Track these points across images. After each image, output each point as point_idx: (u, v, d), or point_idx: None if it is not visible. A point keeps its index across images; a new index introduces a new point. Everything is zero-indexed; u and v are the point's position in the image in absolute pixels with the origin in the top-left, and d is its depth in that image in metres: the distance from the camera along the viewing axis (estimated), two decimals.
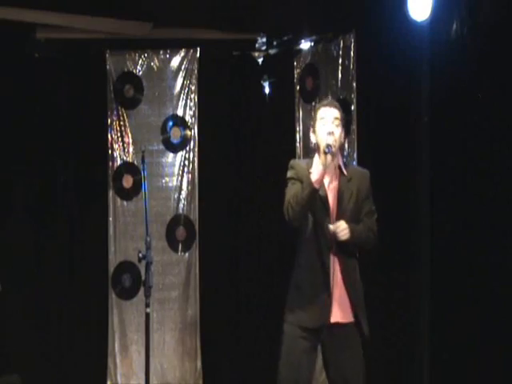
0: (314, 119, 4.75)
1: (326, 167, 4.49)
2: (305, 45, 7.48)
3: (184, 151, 7.72)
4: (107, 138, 7.63)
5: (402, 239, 6.37)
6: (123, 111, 7.67)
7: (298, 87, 7.54)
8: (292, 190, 4.58)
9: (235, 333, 7.66)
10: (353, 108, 6.92)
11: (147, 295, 4.87)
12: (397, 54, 6.24)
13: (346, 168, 4.73)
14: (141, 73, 7.68)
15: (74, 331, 7.47)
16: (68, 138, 7.58)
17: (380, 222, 6.29)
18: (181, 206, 7.70)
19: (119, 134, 7.65)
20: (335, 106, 4.72)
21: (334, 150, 4.51)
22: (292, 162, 4.75)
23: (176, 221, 7.69)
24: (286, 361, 4.62)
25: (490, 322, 5.58)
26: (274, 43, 7.55)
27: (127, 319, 7.56)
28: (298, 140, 7.54)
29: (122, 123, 7.66)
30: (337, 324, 4.61)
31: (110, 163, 7.65)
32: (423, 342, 6.16)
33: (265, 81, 7.63)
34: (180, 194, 7.70)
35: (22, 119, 7.35)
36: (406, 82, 6.25)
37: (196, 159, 7.70)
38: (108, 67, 7.63)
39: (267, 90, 7.63)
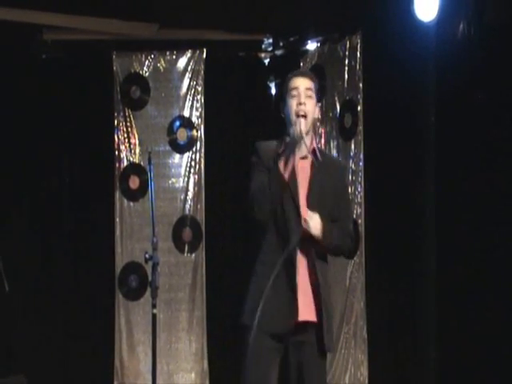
0: (284, 91, 4.11)
1: (300, 154, 3.95)
2: (311, 45, 7.48)
3: (190, 152, 7.72)
4: (114, 139, 7.64)
5: (408, 240, 6.37)
6: (130, 112, 7.67)
7: None
8: (257, 180, 3.99)
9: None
10: (359, 108, 6.92)
11: (154, 296, 4.85)
12: (403, 54, 6.24)
13: (321, 154, 4.10)
14: (147, 74, 7.69)
15: (80, 332, 7.48)
16: (74, 139, 7.59)
17: (385, 222, 6.29)
18: (187, 206, 7.71)
19: (126, 135, 7.66)
20: (308, 76, 4.13)
21: (308, 117, 3.97)
22: (257, 144, 4.15)
23: (182, 222, 7.69)
24: (253, 373, 4.01)
25: (496, 326, 5.58)
26: (281, 44, 7.56)
27: (134, 320, 7.56)
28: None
29: (128, 124, 7.66)
30: (303, 325, 4.00)
31: (117, 164, 7.65)
32: (429, 347, 6.16)
33: (271, 81, 7.63)
34: (186, 194, 7.70)
35: (28, 120, 7.37)
36: (413, 83, 6.25)
37: (202, 160, 7.70)
38: (114, 68, 7.64)
39: (273, 91, 7.64)
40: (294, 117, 3.99)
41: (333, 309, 4.19)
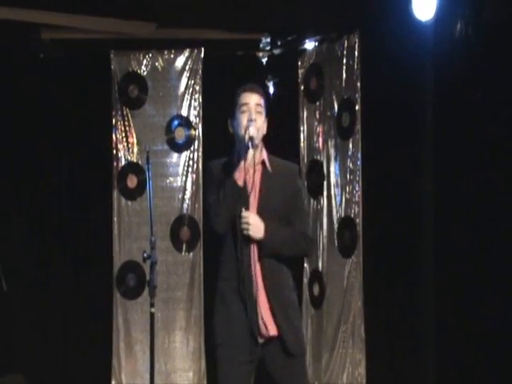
0: (234, 105, 4.13)
1: (250, 162, 3.93)
2: (309, 45, 7.48)
3: (188, 151, 7.72)
4: (112, 138, 7.64)
5: (406, 239, 6.38)
6: (128, 111, 7.67)
7: (302, 87, 7.54)
8: (212, 194, 4.02)
9: None
10: (357, 108, 6.93)
11: (152, 295, 4.85)
12: (401, 53, 6.24)
13: (270, 162, 4.10)
14: (145, 73, 7.68)
15: (78, 331, 7.49)
16: (72, 138, 7.59)
17: (383, 221, 6.29)
18: (185, 206, 7.70)
19: (124, 134, 7.66)
20: (258, 92, 4.11)
21: (257, 142, 3.98)
22: (208, 164, 4.24)
23: (180, 221, 7.69)
24: None
25: (495, 325, 5.58)
26: (279, 43, 7.56)
27: (132, 319, 7.56)
28: (302, 140, 7.54)
29: (126, 123, 7.66)
30: (270, 338, 4.02)
31: (115, 163, 7.66)
32: (427, 346, 6.16)
33: (269, 81, 7.63)
34: (184, 194, 7.70)
35: (26, 119, 7.37)
36: (410, 82, 6.25)
37: (200, 159, 7.70)
38: (112, 67, 7.64)
39: (271, 90, 7.64)
40: (242, 131, 4.00)
41: (297, 309, 4.19)
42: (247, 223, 3.95)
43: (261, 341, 4.00)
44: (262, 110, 4.08)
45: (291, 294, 4.13)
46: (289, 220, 4.08)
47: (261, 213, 4.01)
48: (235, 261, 3.98)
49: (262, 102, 4.09)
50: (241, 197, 3.96)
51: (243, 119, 4.04)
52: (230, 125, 4.17)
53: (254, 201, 4.03)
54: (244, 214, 3.96)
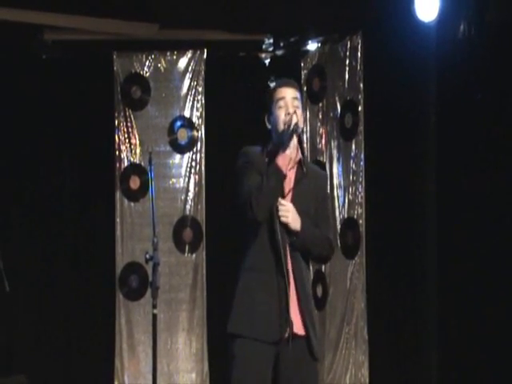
0: (269, 101, 4.04)
1: (293, 150, 3.89)
2: (312, 46, 7.48)
3: (191, 152, 7.72)
4: (114, 139, 7.64)
5: (409, 241, 6.37)
6: (130, 112, 7.67)
7: (305, 88, 7.54)
8: (250, 180, 3.89)
9: None
10: (360, 109, 6.92)
11: (154, 296, 4.85)
12: (404, 54, 6.24)
13: (305, 164, 4.05)
14: (148, 74, 7.68)
15: (81, 332, 7.48)
16: (75, 139, 7.59)
17: (386, 222, 6.29)
18: (188, 207, 7.70)
19: (126, 135, 7.66)
20: (293, 86, 4.05)
21: (299, 130, 3.91)
22: (244, 148, 4.07)
23: (183, 222, 7.69)
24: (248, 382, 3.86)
25: (497, 326, 5.57)
26: (281, 44, 7.56)
27: (134, 320, 7.56)
28: (304, 141, 7.54)
29: (129, 124, 7.66)
30: (296, 335, 3.88)
31: (117, 164, 7.65)
32: (430, 347, 6.16)
33: (271, 82, 7.62)
34: (187, 195, 7.70)
35: (29, 120, 7.37)
36: (413, 83, 6.25)
37: (203, 160, 7.70)
38: (115, 68, 7.64)
39: None
40: (281, 125, 3.94)
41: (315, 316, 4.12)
42: (287, 210, 3.87)
43: (287, 336, 3.84)
44: (299, 103, 4.01)
45: (311, 294, 4.09)
46: (316, 224, 4.01)
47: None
48: (268, 251, 3.88)
49: (298, 95, 4.02)
50: (283, 185, 3.88)
51: (281, 113, 3.97)
52: (266, 121, 4.07)
53: (287, 197, 3.95)
54: (283, 202, 3.88)
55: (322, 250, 4.03)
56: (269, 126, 4.05)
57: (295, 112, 3.93)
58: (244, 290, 3.95)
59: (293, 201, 3.93)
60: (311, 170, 4.09)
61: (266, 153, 3.98)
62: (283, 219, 3.86)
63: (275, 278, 3.86)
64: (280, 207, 3.87)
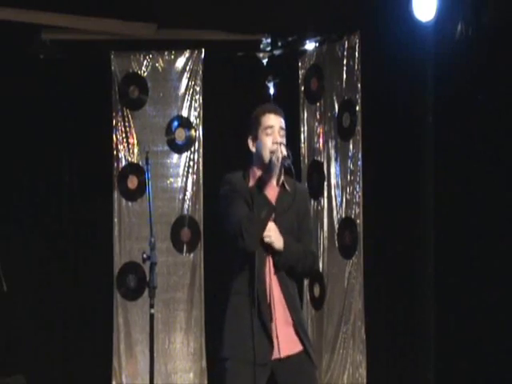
0: (255, 124, 4.12)
1: (279, 182, 4.02)
2: (309, 45, 7.49)
3: (189, 152, 7.73)
4: (112, 139, 7.64)
5: (406, 241, 6.38)
6: (128, 112, 7.68)
7: (302, 88, 7.54)
8: (238, 209, 3.97)
9: None
10: (357, 109, 6.93)
11: (152, 296, 4.85)
12: (401, 54, 6.24)
13: (287, 183, 4.12)
14: (146, 74, 7.69)
15: (79, 332, 7.49)
16: (73, 139, 7.60)
17: (384, 222, 6.30)
18: (185, 206, 7.71)
19: (124, 135, 7.66)
20: (281, 115, 4.16)
21: (287, 161, 3.98)
22: (226, 176, 4.12)
23: (181, 222, 7.69)
24: None
25: (495, 326, 5.58)
26: (279, 44, 7.56)
27: (132, 320, 7.56)
28: (302, 141, 7.54)
29: (126, 124, 7.66)
30: (287, 356, 3.99)
31: (115, 164, 7.66)
32: (428, 347, 6.16)
33: (269, 81, 7.64)
34: (185, 194, 7.70)
35: (26, 120, 7.37)
36: (411, 83, 6.25)
37: (201, 160, 7.71)
38: (113, 68, 7.64)
39: (272, 91, 7.64)
40: (267, 153, 4.02)
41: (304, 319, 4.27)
42: (269, 230, 3.95)
43: (273, 358, 3.95)
44: (284, 133, 4.11)
45: (300, 307, 4.17)
46: (299, 238, 4.10)
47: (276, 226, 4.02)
48: (250, 274, 3.96)
49: (284, 125, 4.12)
50: (272, 216, 3.96)
51: (268, 141, 4.05)
52: (250, 144, 4.15)
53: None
54: (268, 227, 3.95)
55: (305, 265, 4.08)
56: (253, 150, 4.12)
57: (281, 143, 4.01)
58: (231, 314, 4.04)
59: (275, 220, 4.00)
60: (293, 188, 4.13)
61: (247, 178, 4.07)
62: (266, 239, 3.95)
63: (262, 299, 3.95)
64: (268, 237, 3.95)
